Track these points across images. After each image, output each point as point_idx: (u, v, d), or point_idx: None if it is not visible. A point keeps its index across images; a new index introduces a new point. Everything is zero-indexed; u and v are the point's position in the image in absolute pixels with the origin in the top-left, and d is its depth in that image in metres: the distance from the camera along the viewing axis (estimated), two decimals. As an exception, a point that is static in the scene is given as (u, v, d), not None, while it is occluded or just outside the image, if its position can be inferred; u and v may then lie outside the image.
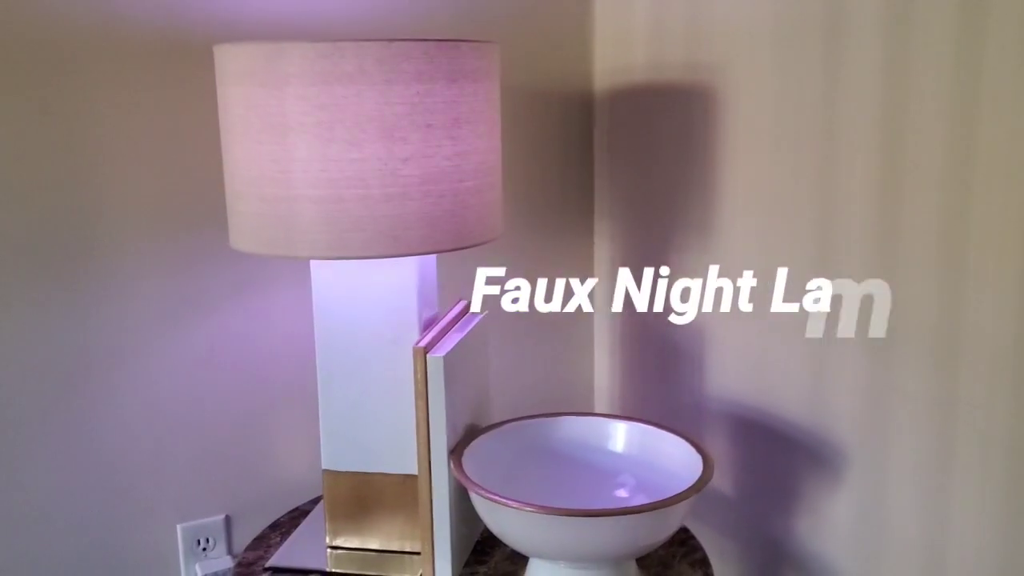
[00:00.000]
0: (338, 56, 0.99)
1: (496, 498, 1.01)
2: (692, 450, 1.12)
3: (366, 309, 1.16)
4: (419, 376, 1.10)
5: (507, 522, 1.05)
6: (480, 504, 1.07)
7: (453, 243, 1.07)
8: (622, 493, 1.15)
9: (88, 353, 1.27)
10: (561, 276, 1.59)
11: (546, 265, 1.57)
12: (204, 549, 1.39)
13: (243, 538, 1.40)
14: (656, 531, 1.04)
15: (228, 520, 1.40)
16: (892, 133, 1.07)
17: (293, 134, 1.02)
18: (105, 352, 1.28)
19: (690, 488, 1.03)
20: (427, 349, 1.10)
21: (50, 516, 1.28)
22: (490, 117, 1.11)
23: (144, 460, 1.32)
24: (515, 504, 1.00)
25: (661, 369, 1.49)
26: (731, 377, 1.36)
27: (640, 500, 1.13)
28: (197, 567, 1.38)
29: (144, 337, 1.29)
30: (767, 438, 1.31)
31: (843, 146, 1.13)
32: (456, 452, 1.13)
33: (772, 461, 1.30)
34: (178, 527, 1.36)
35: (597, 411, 1.65)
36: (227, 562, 1.39)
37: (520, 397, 1.58)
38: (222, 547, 1.40)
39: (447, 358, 1.10)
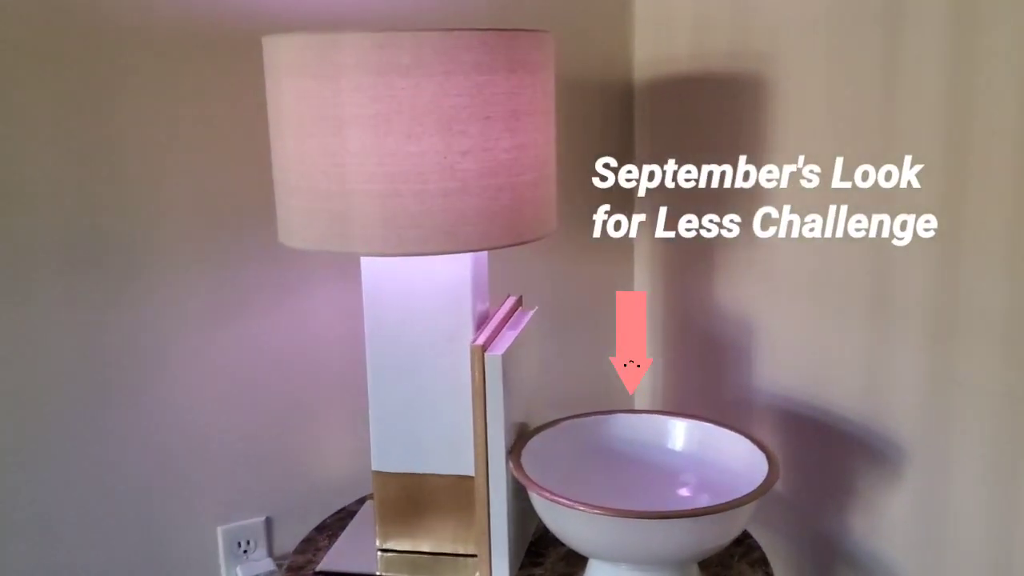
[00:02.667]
0: (395, 47, 0.96)
1: (561, 500, 0.99)
2: (754, 448, 1.09)
3: (419, 305, 1.13)
4: (477, 375, 1.08)
5: (571, 524, 1.02)
6: (542, 506, 1.04)
7: (511, 239, 1.04)
8: (684, 492, 1.13)
9: (129, 353, 1.24)
10: (600, 269, 1.56)
11: (588, 260, 1.54)
12: (245, 551, 1.36)
13: (284, 540, 1.38)
14: (724, 532, 1.01)
15: (269, 522, 1.37)
16: (958, 126, 1.04)
17: (348, 127, 0.99)
18: (146, 352, 1.25)
19: (759, 487, 1.00)
20: (485, 347, 1.07)
21: (89, 519, 1.25)
22: (546, 108, 1.08)
23: (185, 461, 1.30)
24: (583, 507, 0.97)
25: (705, 363, 1.46)
26: (780, 369, 1.33)
27: (703, 500, 1.10)
28: (238, 569, 1.35)
29: (185, 336, 1.27)
30: (820, 431, 1.28)
31: (905, 141, 1.10)
32: (514, 452, 1.10)
33: (826, 456, 1.28)
34: (219, 529, 1.34)
35: (638, 406, 1.62)
36: (268, 564, 1.37)
37: (560, 392, 1.55)
38: (263, 549, 1.37)
39: (505, 356, 1.07)
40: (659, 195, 1.50)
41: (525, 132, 1.04)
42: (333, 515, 1.29)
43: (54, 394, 1.20)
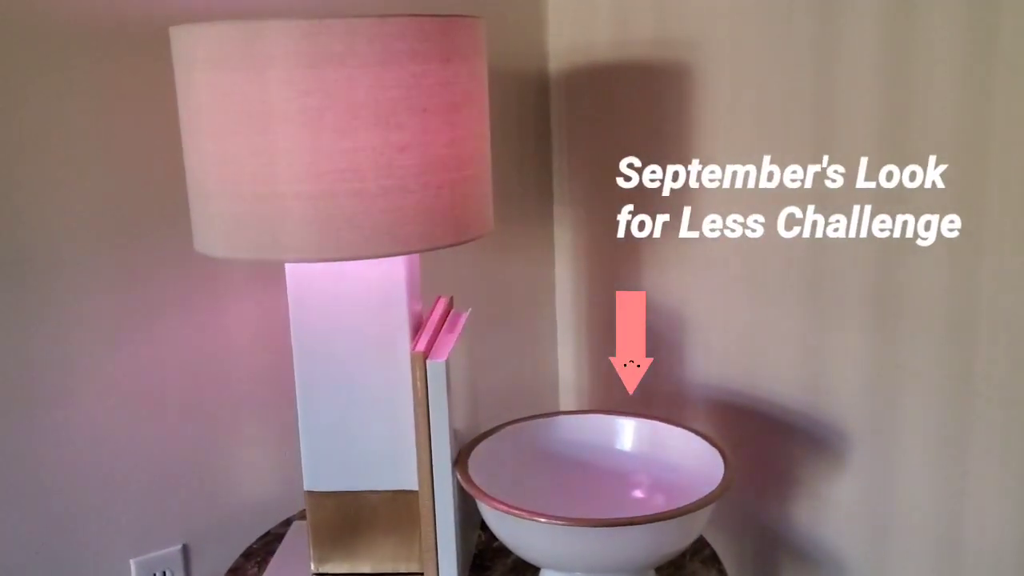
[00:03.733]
0: (326, 35, 0.89)
1: (516, 511, 0.94)
2: (706, 444, 1.07)
3: (350, 311, 1.06)
4: (419, 384, 1.01)
5: (525, 535, 0.97)
6: (493, 518, 0.99)
7: (453, 238, 0.98)
8: (638, 494, 1.09)
9: (27, 375, 1.13)
10: (521, 267, 1.51)
11: (506, 255, 1.49)
12: (161, 583, 1.26)
13: (204, 569, 1.28)
14: (684, 536, 0.98)
15: (186, 549, 1.27)
16: (897, 112, 1.04)
17: (277, 124, 0.91)
18: (45, 373, 1.14)
19: (719, 486, 0.98)
20: (426, 354, 1.01)
21: (-12, 562, 1.14)
22: (481, 99, 1.02)
23: (93, 487, 1.19)
24: (542, 519, 0.92)
25: (633, 358, 1.44)
26: (714, 359, 1.31)
27: (659, 501, 1.07)
28: (155, 603, 1.25)
29: (90, 353, 1.16)
30: (757, 421, 1.27)
31: (842, 129, 1.09)
32: (460, 462, 1.04)
33: (764, 446, 1.26)
34: (131, 562, 1.24)
35: (562, 406, 1.58)
36: (187, 595, 1.27)
37: (486, 395, 1.50)
38: (181, 579, 1.28)
39: (449, 363, 1.01)
40: (580, 186, 1.47)
41: (463, 125, 0.98)
42: (259, 539, 1.21)
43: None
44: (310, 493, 1.10)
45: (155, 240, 1.18)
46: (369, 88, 0.91)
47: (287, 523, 1.24)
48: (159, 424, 1.22)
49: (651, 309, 1.37)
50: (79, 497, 1.19)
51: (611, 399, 1.48)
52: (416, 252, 0.96)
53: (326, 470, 1.09)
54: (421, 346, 1.02)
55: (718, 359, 1.31)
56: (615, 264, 1.44)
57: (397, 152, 0.93)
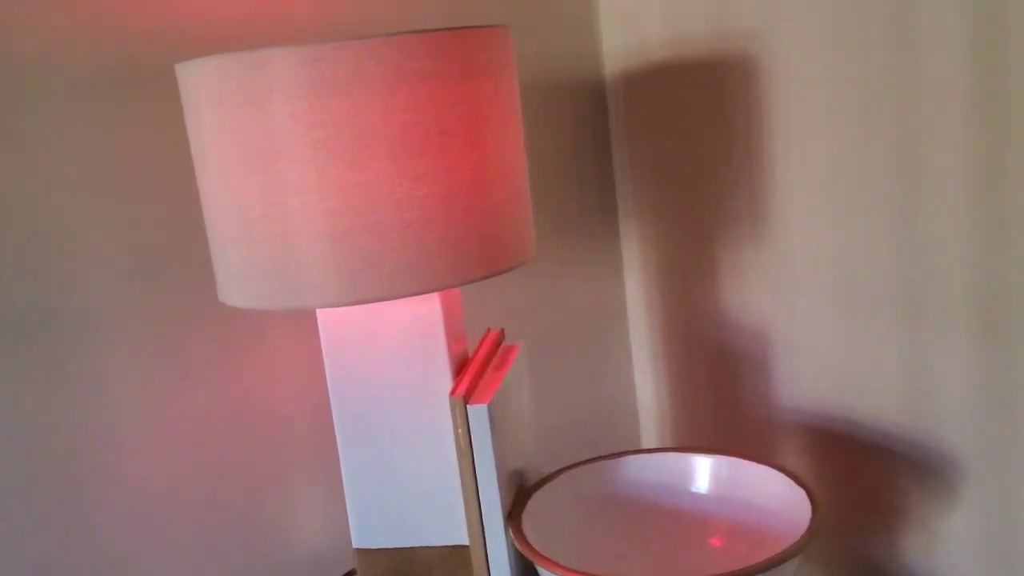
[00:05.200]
0: (328, 60, 0.82)
1: None
2: (789, 483, 0.95)
3: (386, 354, 0.98)
4: (461, 431, 0.93)
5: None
6: (552, 578, 0.89)
7: (486, 270, 0.89)
8: (715, 542, 0.98)
9: (70, 439, 1.08)
10: (587, 288, 1.41)
11: (571, 278, 1.39)
12: (222, 646, 1.20)
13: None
14: (768, 588, 0.86)
15: (246, 610, 1.21)
16: (988, 97, 0.90)
17: (283, 160, 0.84)
18: (89, 435, 1.09)
19: (805, 534, 0.86)
20: (467, 398, 0.92)
21: (40, 633, 1.09)
22: (511, 115, 0.93)
23: (143, 550, 1.14)
24: (601, 579, 0.82)
25: (716, 380, 1.32)
26: (804, 381, 1.18)
27: (740, 549, 0.95)
28: (217, 668, 1.19)
29: (130, 413, 1.11)
30: (856, 448, 1.14)
31: (923, 120, 0.96)
32: (513, 517, 0.95)
33: (865, 475, 1.13)
34: (189, 625, 1.18)
35: (643, 437, 1.47)
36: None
37: (554, 434, 1.40)
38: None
39: (492, 407, 0.92)
40: (647, 198, 1.36)
41: (489, 145, 0.89)
42: (316, 599, 1.14)
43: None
44: (360, 551, 1.02)
45: (190, 289, 1.12)
46: (379, 114, 0.83)
47: (346, 579, 1.17)
48: (205, 478, 1.16)
49: (733, 327, 1.26)
50: (130, 560, 1.13)
51: (696, 426, 1.37)
52: (443, 288, 0.87)
53: (375, 526, 1.01)
54: (461, 389, 0.93)
55: (809, 381, 1.18)
56: (691, 279, 1.32)
57: (414, 181, 0.84)
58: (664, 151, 1.31)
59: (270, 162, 0.84)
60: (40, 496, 1.06)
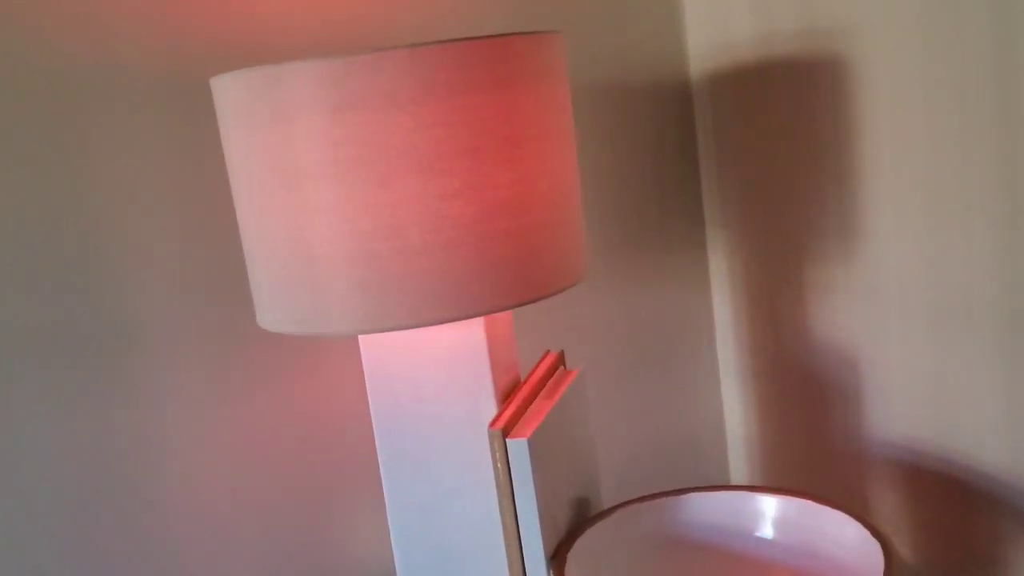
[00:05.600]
0: (351, 74, 0.77)
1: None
2: (864, 532, 0.85)
3: (430, 382, 0.93)
4: (500, 466, 0.87)
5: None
6: (593, 628, 0.83)
7: (522, 296, 0.83)
8: (778, 595, 0.89)
9: (124, 459, 1.07)
10: (670, 303, 1.33)
11: (652, 292, 1.31)
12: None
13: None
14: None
15: (305, 632, 1.18)
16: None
17: (306, 179, 0.80)
18: (144, 454, 1.08)
19: (872, 594, 0.77)
20: (506, 431, 0.87)
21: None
22: (558, 128, 0.86)
23: (187, 567, 1.12)
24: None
25: (805, 408, 1.22)
26: (896, 413, 1.08)
27: (802, 605, 0.86)
28: None
29: (184, 432, 1.09)
30: (951, 490, 1.02)
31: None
32: (557, 557, 0.88)
33: (961, 520, 1.02)
34: (248, 645, 1.16)
35: (732, 466, 1.38)
36: None
37: (632, 462, 1.32)
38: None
39: (533, 440, 0.86)
40: (736, 206, 1.27)
41: (529, 161, 0.82)
42: (369, 627, 1.10)
43: (45, 510, 1.04)
44: (405, 584, 0.98)
45: (245, 304, 1.10)
46: (405, 130, 0.78)
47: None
48: (253, 499, 1.14)
49: (822, 350, 1.16)
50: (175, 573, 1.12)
51: (786, 456, 1.27)
52: (477, 315, 0.82)
53: (420, 561, 0.97)
54: (502, 421, 0.87)
55: (902, 413, 1.07)
56: (780, 295, 1.23)
57: (444, 201, 0.79)
58: (753, 157, 1.22)
59: (294, 181, 0.80)
60: (88, 509, 1.06)
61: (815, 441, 1.21)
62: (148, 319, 1.06)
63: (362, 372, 1.15)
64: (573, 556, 0.89)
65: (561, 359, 1.04)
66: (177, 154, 1.05)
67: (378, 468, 1.17)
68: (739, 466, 1.35)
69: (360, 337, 0.94)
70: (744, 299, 1.29)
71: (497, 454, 0.86)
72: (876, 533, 0.84)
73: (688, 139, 1.32)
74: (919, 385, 1.05)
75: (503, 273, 0.81)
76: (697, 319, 1.35)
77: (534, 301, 0.84)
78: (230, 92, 0.83)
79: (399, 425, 0.95)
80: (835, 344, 1.15)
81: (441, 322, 0.81)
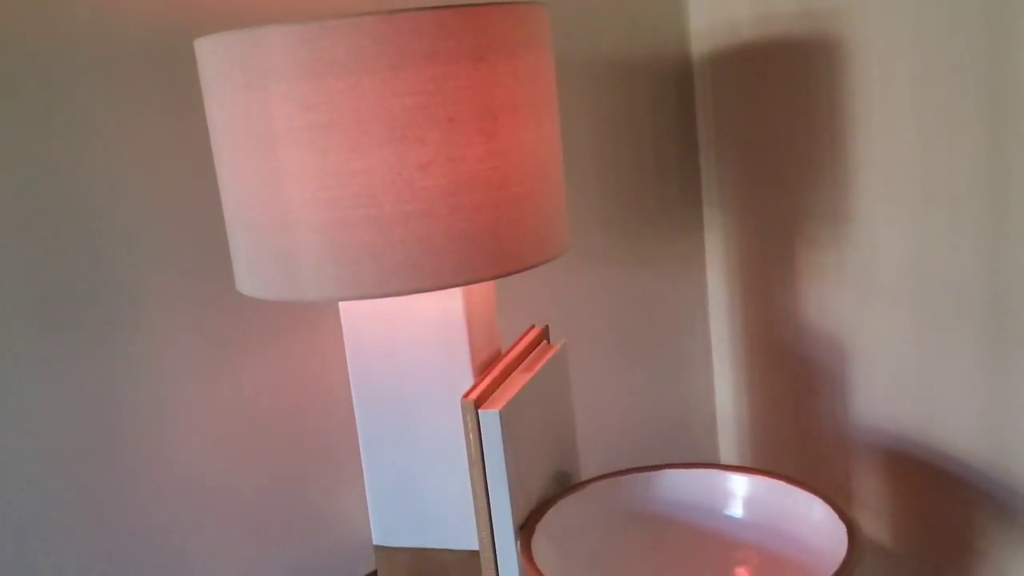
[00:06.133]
0: (326, 39, 0.77)
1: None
2: (831, 514, 0.85)
3: (408, 351, 0.93)
4: (472, 437, 0.87)
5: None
6: (556, 600, 0.83)
7: (497, 268, 0.83)
8: (742, 572, 0.89)
9: (115, 415, 1.08)
10: (665, 281, 1.32)
11: (647, 270, 1.31)
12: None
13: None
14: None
15: (288, 594, 1.20)
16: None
17: (281, 144, 0.80)
18: (136, 413, 1.09)
19: (837, 572, 0.76)
20: (479, 402, 0.87)
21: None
22: (539, 100, 0.86)
23: (188, 534, 1.14)
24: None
25: (793, 389, 1.21)
26: (879, 397, 1.07)
27: (766, 584, 0.87)
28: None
29: (177, 395, 1.11)
30: (930, 476, 1.02)
31: (1020, 110, 0.84)
32: (526, 528, 0.89)
33: (938, 507, 1.02)
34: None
35: (722, 445, 1.38)
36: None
37: (622, 438, 1.32)
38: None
39: (505, 412, 0.86)
40: (733, 187, 1.26)
41: (506, 134, 0.82)
42: (347, 590, 1.11)
43: (33, 473, 1.06)
44: (379, 548, 0.99)
45: (228, 270, 1.11)
46: (380, 98, 0.78)
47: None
48: (242, 466, 1.15)
49: (812, 334, 1.15)
50: (165, 542, 1.14)
51: (776, 436, 1.27)
52: (448, 287, 0.82)
53: (395, 524, 0.98)
54: (476, 392, 0.88)
55: (884, 398, 1.07)
56: (772, 277, 1.22)
57: (418, 171, 0.79)
58: (752, 138, 1.21)
59: (268, 146, 0.80)
60: (79, 477, 1.08)
61: (801, 422, 1.20)
62: (139, 284, 1.07)
63: (336, 346, 1.16)
64: (542, 527, 0.89)
65: (544, 334, 1.04)
66: (171, 117, 1.06)
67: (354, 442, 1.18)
68: (728, 445, 1.35)
69: (340, 307, 0.95)
70: (738, 280, 1.28)
71: (469, 425, 0.87)
72: (843, 515, 0.84)
73: (688, 119, 1.31)
74: (904, 371, 1.04)
75: (476, 245, 0.81)
76: (691, 299, 1.34)
77: (509, 274, 0.84)
78: (210, 55, 0.83)
79: (378, 394, 0.95)
80: (824, 328, 1.14)
81: (412, 292, 0.81)
